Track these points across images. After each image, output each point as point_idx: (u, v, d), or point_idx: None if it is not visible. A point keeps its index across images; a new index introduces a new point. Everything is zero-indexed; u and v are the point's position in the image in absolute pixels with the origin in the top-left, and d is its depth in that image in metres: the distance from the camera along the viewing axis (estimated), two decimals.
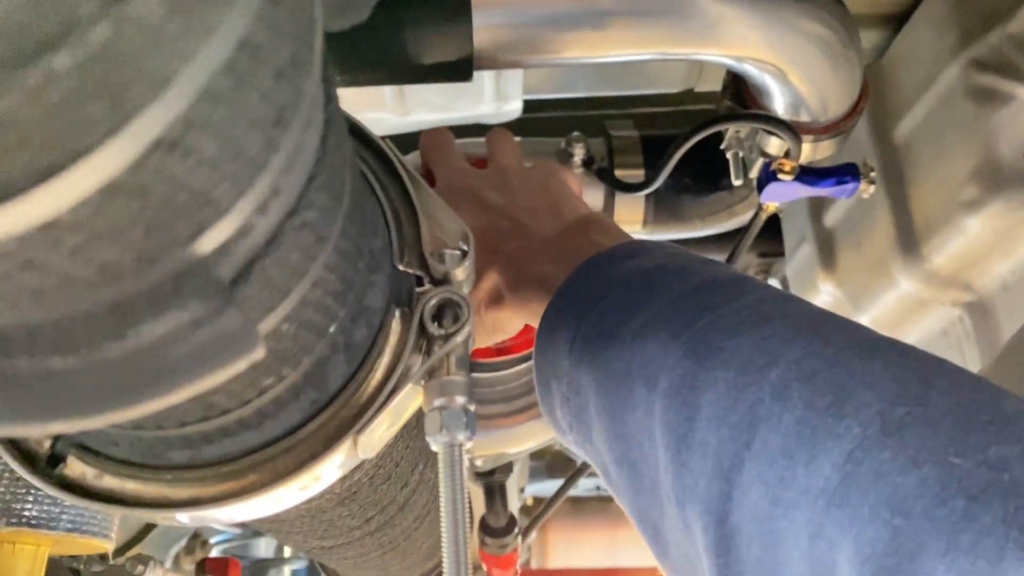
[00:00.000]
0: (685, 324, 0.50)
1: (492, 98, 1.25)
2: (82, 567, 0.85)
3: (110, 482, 0.37)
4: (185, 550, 1.24)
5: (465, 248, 0.43)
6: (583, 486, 3.48)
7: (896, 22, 1.19)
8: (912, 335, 1.26)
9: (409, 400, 0.40)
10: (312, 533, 0.59)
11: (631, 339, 0.52)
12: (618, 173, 1.14)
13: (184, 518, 0.37)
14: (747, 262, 1.77)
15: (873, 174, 1.01)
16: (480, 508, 1.19)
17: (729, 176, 1.09)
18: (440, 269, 0.42)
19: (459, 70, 0.87)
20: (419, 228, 0.44)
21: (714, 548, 0.43)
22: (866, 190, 1.01)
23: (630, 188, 1.11)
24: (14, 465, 0.37)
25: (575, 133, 1.13)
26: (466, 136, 1.25)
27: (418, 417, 0.45)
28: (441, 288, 0.42)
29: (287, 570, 2.75)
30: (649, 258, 0.60)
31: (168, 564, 1.18)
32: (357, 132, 0.46)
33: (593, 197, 1.17)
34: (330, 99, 0.30)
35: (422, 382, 0.40)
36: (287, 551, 2.74)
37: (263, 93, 0.23)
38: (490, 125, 1.33)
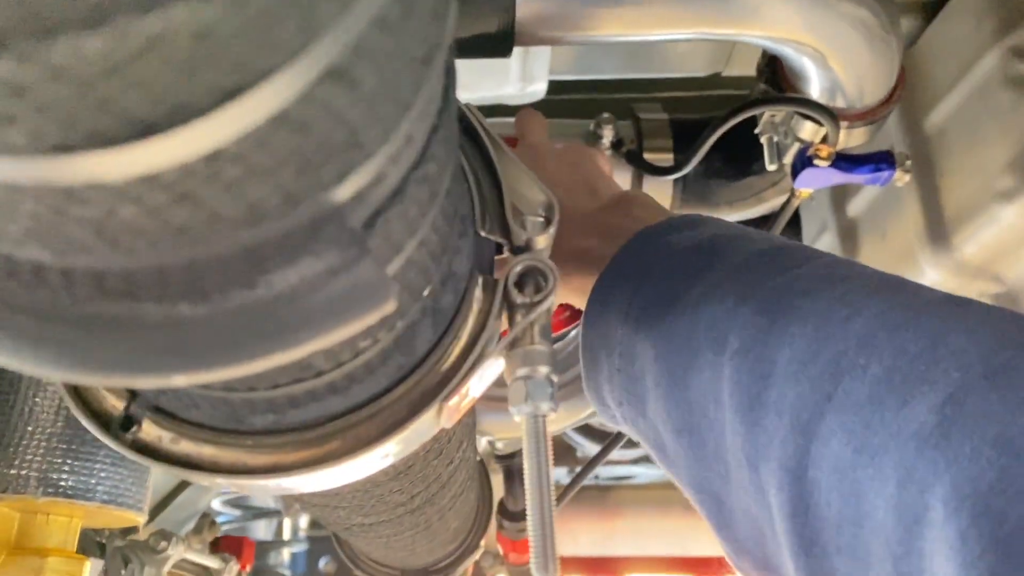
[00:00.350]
0: (753, 285, 0.48)
1: (518, 78, 1.23)
2: (106, 540, 0.84)
3: (186, 447, 0.36)
4: (194, 530, 1.23)
5: (548, 215, 0.42)
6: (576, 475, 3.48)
7: (929, 10, 1.18)
8: None
9: (492, 369, 0.39)
10: (358, 509, 0.58)
11: (694, 304, 0.51)
12: (647, 156, 1.13)
13: (262, 485, 0.36)
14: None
15: (908, 163, 1.00)
16: (499, 491, 1.18)
17: (759, 161, 1.08)
18: (522, 236, 0.41)
19: (499, 44, 0.86)
20: (501, 194, 0.42)
21: (790, 507, 0.42)
22: (901, 179, 1.00)
23: (661, 171, 1.09)
24: (88, 425, 0.36)
25: (605, 115, 1.12)
26: (489, 117, 1.23)
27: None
28: (526, 255, 0.40)
29: (286, 552, 2.74)
30: (704, 228, 0.59)
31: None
32: None
33: (621, 180, 1.15)
34: (450, 63, 0.29)
35: (506, 350, 0.39)
36: (287, 534, 2.72)
37: (422, 28, 0.22)
38: (513, 106, 1.32)
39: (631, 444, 2.82)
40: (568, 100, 1.39)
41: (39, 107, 0.15)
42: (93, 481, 0.70)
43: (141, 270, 0.22)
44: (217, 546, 1.15)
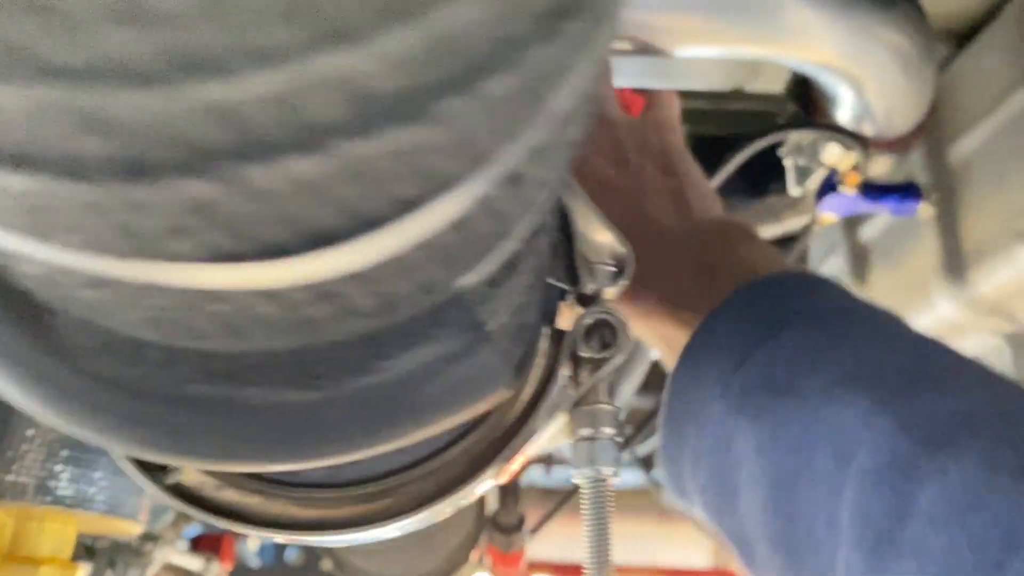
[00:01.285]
0: (895, 393, 0.41)
1: None
2: (94, 543, 0.80)
3: (231, 495, 0.33)
4: (172, 524, 1.19)
5: (620, 266, 0.39)
6: (556, 476, 3.45)
7: (959, 39, 1.16)
8: None
9: (555, 426, 0.36)
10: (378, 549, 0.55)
11: (816, 397, 0.42)
12: None
13: (307, 540, 0.33)
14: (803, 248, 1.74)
15: (935, 196, 0.98)
16: (493, 504, 1.16)
17: (779, 181, 1.06)
18: (590, 285, 0.38)
19: None
20: (569, 237, 0.39)
21: None
22: (926, 211, 0.99)
23: None
24: (123, 466, 0.33)
25: None
26: None
27: None
28: (597, 308, 0.37)
29: (253, 543, 2.70)
30: (832, 297, 0.51)
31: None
32: None
33: None
34: None
35: (570, 408, 0.36)
36: None
37: (583, 115, 0.19)
38: None
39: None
40: None
41: (219, 222, 0.12)
42: (93, 490, 0.66)
43: (251, 354, 0.18)
44: (198, 544, 1.12)
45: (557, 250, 0.39)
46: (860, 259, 1.36)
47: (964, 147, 1.12)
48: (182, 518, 1.25)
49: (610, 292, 0.38)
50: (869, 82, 0.91)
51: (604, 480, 0.36)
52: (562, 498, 1.19)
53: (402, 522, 0.33)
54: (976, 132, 1.09)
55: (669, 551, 3.52)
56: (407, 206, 0.14)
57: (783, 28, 0.86)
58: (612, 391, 0.37)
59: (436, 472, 0.34)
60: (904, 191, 0.97)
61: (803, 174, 1.01)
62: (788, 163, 1.02)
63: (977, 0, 1.10)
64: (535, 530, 1.23)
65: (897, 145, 0.99)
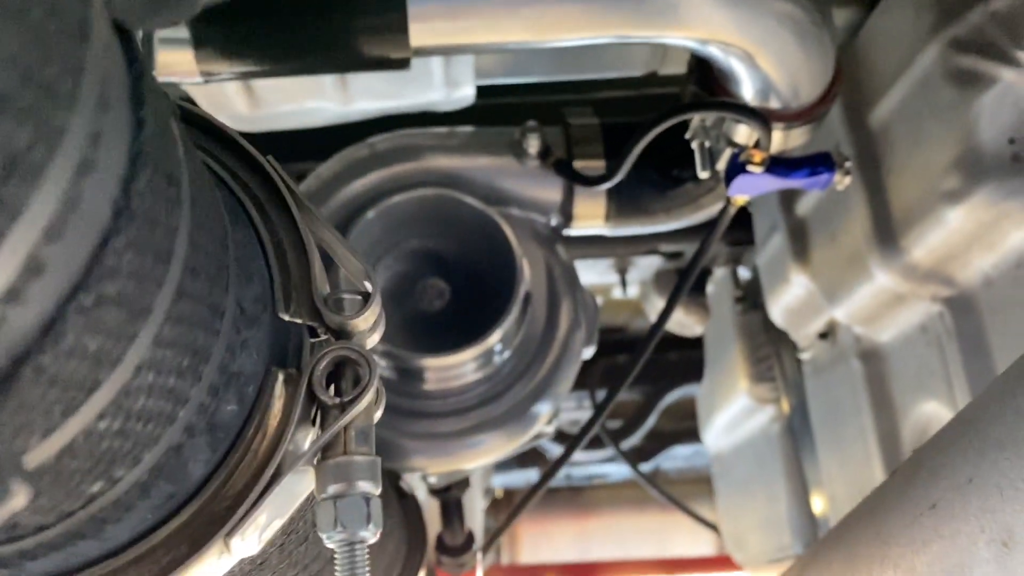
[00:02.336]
0: None
1: (441, 84, 1.16)
2: None
3: None
4: None
5: (367, 290, 0.35)
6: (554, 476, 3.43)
7: (869, 1, 1.12)
8: (889, 330, 1.19)
9: (298, 485, 0.32)
10: None
11: None
12: (577, 164, 1.06)
13: None
14: (717, 251, 1.70)
15: (848, 164, 0.94)
16: (436, 526, 1.12)
17: (694, 167, 1.02)
18: (334, 319, 0.34)
19: (396, 61, 0.79)
20: (309, 267, 0.35)
21: None
22: (841, 182, 0.95)
23: (590, 181, 1.03)
24: None
25: (530, 123, 1.05)
26: (415, 126, 1.16)
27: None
28: (338, 344, 0.33)
29: None
30: None
31: None
32: (231, 144, 0.37)
33: (551, 191, 1.09)
34: (141, 118, 0.22)
35: (314, 461, 0.32)
36: None
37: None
38: (441, 113, 1.25)
39: (597, 444, 2.76)
40: (500, 104, 1.32)
41: None
42: None
43: None
44: None
45: (296, 282, 0.35)
46: (800, 234, 1.32)
47: (882, 111, 1.08)
48: None
49: (360, 322, 0.35)
50: (762, 55, 0.87)
51: (360, 542, 0.32)
52: (517, 505, 1.15)
53: None
54: (892, 94, 1.05)
55: (677, 542, 3.50)
56: None
57: (660, 7, 0.82)
58: (366, 437, 0.33)
59: (148, 556, 0.30)
60: (815, 163, 0.92)
61: (711, 156, 0.97)
62: (695, 145, 0.98)
63: None
64: (494, 538, 1.19)
65: (806, 115, 0.95)
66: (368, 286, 0.35)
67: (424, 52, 0.80)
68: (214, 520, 0.31)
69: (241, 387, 0.31)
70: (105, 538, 0.29)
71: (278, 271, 0.35)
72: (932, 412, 1.13)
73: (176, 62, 0.76)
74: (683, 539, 3.23)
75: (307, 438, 0.33)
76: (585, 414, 2.86)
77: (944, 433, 0.58)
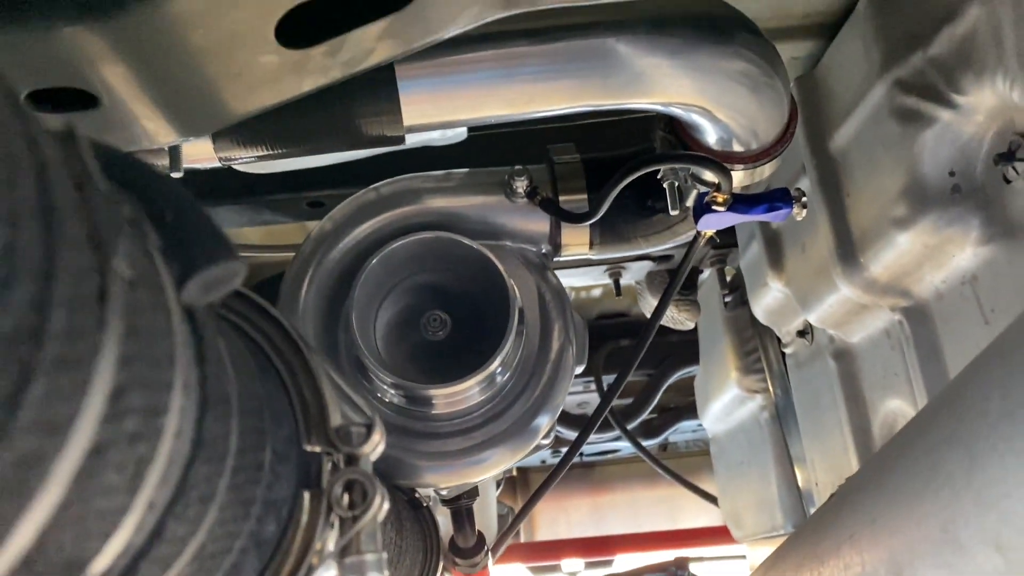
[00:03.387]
0: None
1: None
2: None
3: None
4: None
5: (369, 423, 0.45)
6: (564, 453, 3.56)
7: (830, 31, 1.20)
8: (857, 334, 1.30)
9: None
10: None
11: None
12: (562, 199, 1.16)
13: None
14: (703, 253, 1.80)
15: (805, 199, 1.03)
16: (448, 530, 1.24)
17: (663, 199, 1.12)
18: (345, 449, 0.45)
19: (393, 139, 0.89)
20: (324, 404, 0.46)
21: None
22: (799, 214, 1.04)
23: (573, 218, 1.13)
24: None
25: (516, 167, 1.15)
26: (415, 164, 1.26)
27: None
28: (347, 469, 0.44)
29: None
30: None
31: None
32: (259, 308, 0.48)
33: (539, 224, 1.19)
34: (206, 376, 0.32)
35: (336, 559, 0.43)
36: None
37: (118, 460, 0.26)
38: (437, 148, 1.35)
39: (607, 427, 2.86)
40: (490, 136, 1.41)
41: None
42: None
43: None
44: None
45: (312, 417, 0.46)
46: (774, 244, 1.42)
47: (840, 138, 1.17)
48: None
49: (366, 449, 0.45)
50: (720, 109, 0.96)
51: None
52: (532, 495, 1.27)
53: None
54: (848, 123, 1.14)
55: (687, 512, 3.64)
56: None
57: (626, 79, 0.92)
58: (373, 538, 0.43)
59: None
60: (773, 199, 1.02)
61: (680, 195, 1.07)
62: (665, 185, 1.07)
63: None
64: (502, 540, 1.31)
65: (767, 154, 1.04)
66: (369, 420, 0.46)
67: (416, 129, 0.90)
68: None
69: (278, 510, 0.42)
70: None
71: (300, 412, 0.46)
72: (898, 409, 1.23)
73: (197, 152, 0.87)
74: (693, 510, 3.36)
75: (330, 541, 0.44)
76: (591, 396, 2.99)
77: (860, 473, 0.69)
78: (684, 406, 3.16)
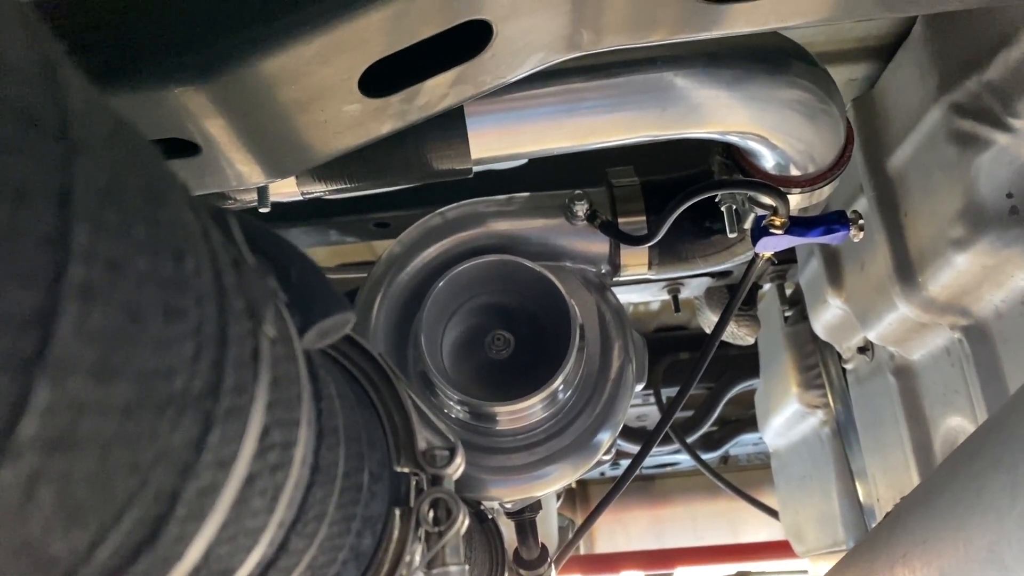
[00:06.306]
0: None
1: None
2: None
3: None
4: None
5: (451, 447, 0.50)
6: (624, 466, 3.57)
7: (886, 53, 1.22)
8: (917, 351, 1.30)
9: None
10: None
11: None
12: (621, 221, 1.20)
13: None
14: (763, 269, 1.82)
15: (862, 221, 1.05)
16: (513, 542, 1.28)
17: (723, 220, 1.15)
18: (430, 470, 0.50)
19: (461, 171, 0.94)
20: (412, 429, 0.51)
21: None
22: (856, 236, 1.06)
23: (634, 240, 1.17)
24: None
25: (576, 191, 1.19)
26: (482, 188, 1.31)
27: None
28: (433, 489, 0.49)
29: None
30: None
31: None
32: (355, 343, 0.53)
33: (599, 246, 1.23)
34: (321, 411, 0.37)
35: (423, 570, 0.48)
36: None
37: (262, 487, 0.31)
38: (501, 171, 1.40)
39: (666, 440, 2.88)
40: (551, 160, 1.46)
41: None
42: None
43: None
44: None
45: (402, 440, 0.51)
46: (833, 263, 1.44)
47: (897, 159, 1.19)
48: None
49: (449, 470, 0.50)
50: (777, 136, 0.99)
51: None
52: (594, 510, 1.30)
53: None
54: (905, 145, 1.16)
55: (749, 527, 3.61)
56: None
57: (684, 111, 0.95)
58: (456, 552, 0.48)
59: None
60: (830, 222, 1.04)
61: (738, 217, 1.10)
62: (723, 208, 1.10)
63: (890, 21, 1.16)
64: (566, 550, 1.35)
65: (823, 177, 1.07)
66: (452, 443, 0.51)
67: (483, 162, 0.95)
68: None
69: (373, 525, 0.47)
70: None
71: (391, 436, 0.51)
72: (958, 426, 1.24)
73: (281, 186, 0.93)
74: (754, 523, 3.34)
75: (417, 553, 0.49)
76: (650, 409, 3.00)
77: (913, 495, 0.71)
78: (745, 419, 3.15)
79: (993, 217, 1.01)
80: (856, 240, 1.07)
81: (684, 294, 1.90)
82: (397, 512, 0.49)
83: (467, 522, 0.49)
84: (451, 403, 1.14)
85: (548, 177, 1.45)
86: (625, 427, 2.99)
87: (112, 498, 0.22)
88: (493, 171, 1.41)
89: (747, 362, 2.56)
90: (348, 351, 0.52)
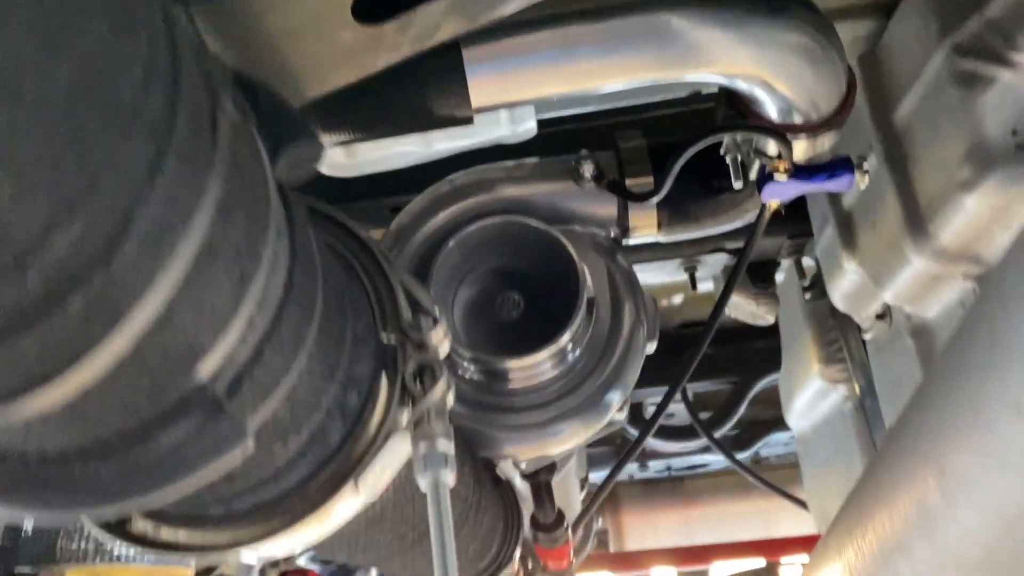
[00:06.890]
0: None
1: (508, 122, 1.32)
2: None
3: (167, 533, 0.47)
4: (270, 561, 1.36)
5: (436, 316, 0.52)
6: (654, 467, 3.55)
7: (888, 10, 1.22)
8: (933, 308, 1.29)
9: (400, 447, 0.49)
10: (354, 550, 0.69)
11: None
12: (629, 182, 1.21)
13: (226, 558, 0.47)
14: (779, 244, 1.81)
15: (867, 165, 1.05)
16: (529, 507, 1.28)
17: (730, 177, 1.15)
18: (415, 336, 0.51)
19: (462, 119, 0.96)
20: (397, 300, 0.52)
21: None
22: (862, 181, 1.06)
23: (639, 197, 1.18)
24: (91, 527, 0.48)
25: (583, 152, 1.21)
26: (487, 160, 1.33)
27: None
28: (418, 354, 0.50)
29: (374, 571, 2.89)
30: None
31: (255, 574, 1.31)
32: (342, 226, 0.55)
33: (607, 208, 1.24)
34: (294, 235, 0.39)
35: (410, 431, 0.49)
36: None
37: (227, 266, 0.32)
38: (510, 146, 1.42)
39: (691, 435, 2.85)
40: (559, 132, 1.47)
41: None
42: None
43: (69, 446, 0.33)
44: None
45: (388, 309, 0.52)
46: (847, 226, 1.43)
47: (904, 110, 1.19)
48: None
49: (434, 337, 0.51)
50: (779, 81, 1.00)
51: (443, 484, 0.48)
52: (596, 492, 1.30)
53: (290, 535, 0.47)
54: (910, 96, 1.16)
55: (783, 524, 3.56)
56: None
57: (683, 50, 0.96)
58: (442, 413, 0.49)
59: (308, 496, 0.48)
60: (834, 167, 1.04)
61: (743, 168, 1.10)
62: (728, 159, 1.11)
63: None
64: (577, 524, 1.35)
65: (827, 124, 1.07)
66: (436, 312, 0.52)
67: (484, 110, 0.97)
68: (348, 471, 0.48)
69: (360, 385, 0.48)
70: (280, 485, 0.46)
71: (377, 307, 0.52)
72: None
73: None
74: (786, 522, 3.29)
75: (403, 415, 0.50)
76: (677, 407, 2.98)
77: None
78: (774, 419, 3.11)
79: (1000, 155, 1.00)
80: (862, 186, 1.07)
81: (702, 273, 1.90)
82: (384, 375, 0.50)
83: (452, 393, 0.50)
84: (464, 362, 1.15)
85: (558, 152, 1.46)
86: (660, 426, 2.93)
87: (62, 184, 0.23)
88: (504, 147, 1.43)
89: (772, 355, 2.54)
90: (335, 232, 0.54)
